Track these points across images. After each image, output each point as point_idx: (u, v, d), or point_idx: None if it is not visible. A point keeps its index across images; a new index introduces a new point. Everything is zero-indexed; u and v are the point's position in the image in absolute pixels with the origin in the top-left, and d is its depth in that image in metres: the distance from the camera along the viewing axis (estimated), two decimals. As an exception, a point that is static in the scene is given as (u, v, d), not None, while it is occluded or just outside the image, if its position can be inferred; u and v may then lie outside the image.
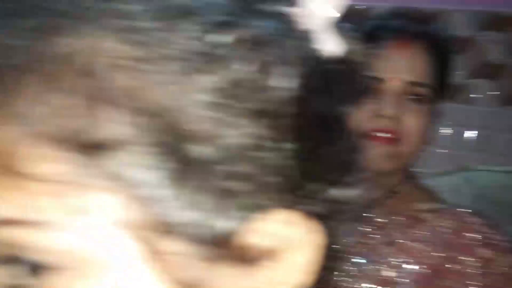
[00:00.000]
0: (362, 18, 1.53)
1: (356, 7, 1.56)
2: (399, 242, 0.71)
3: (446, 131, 1.52)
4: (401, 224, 0.73)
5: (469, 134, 1.52)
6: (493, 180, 1.33)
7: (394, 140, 0.72)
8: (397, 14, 0.80)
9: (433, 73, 0.75)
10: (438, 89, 0.76)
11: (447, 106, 1.47)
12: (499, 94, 1.49)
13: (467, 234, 0.68)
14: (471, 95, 1.51)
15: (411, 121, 0.72)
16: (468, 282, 0.66)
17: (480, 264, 0.66)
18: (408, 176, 0.78)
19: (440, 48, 0.77)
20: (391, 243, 0.71)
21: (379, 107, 0.72)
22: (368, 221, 0.75)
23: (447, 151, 1.52)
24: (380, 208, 0.76)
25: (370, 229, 0.75)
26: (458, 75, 1.51)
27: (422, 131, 0.73)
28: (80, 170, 0.19)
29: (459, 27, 1.50)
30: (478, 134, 1.51)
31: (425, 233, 0.70)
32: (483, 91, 1.51)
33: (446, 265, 0.67)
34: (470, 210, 0.71)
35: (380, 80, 0.73)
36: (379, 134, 0.72)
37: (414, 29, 0.76)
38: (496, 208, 1.27)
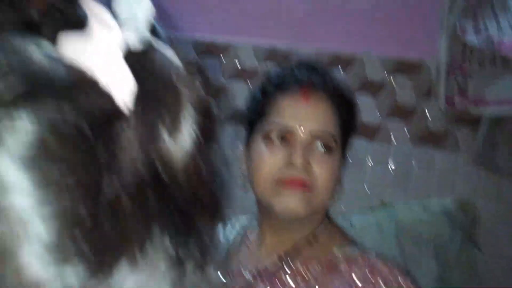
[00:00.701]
0: (286, 60, 1.59)
1: (280, 49, 1.62)
2: None
3: (365, 168, 1.60)
4: (319, 272, 0.74)
5: (387, 170, 1.61)
6: (412, 215, 1.40)
7: (306, 187, 0.74)
8: (301, 65, 0.84)
9: (337, 122, 0.78)
10: (344, 137, 0.80)
11: (365, 145, 1.57)
12: (411, 134, 1.61)
13: (378, 283, 0.70)
14: (387, 134, 1.61)
15: (321, 169, 0.75)
16: None
17: None
18: (324, 220, 0.80)
19: (342, 99, 0.81)
20: None
21: (289, 155, 0.74)
22: (287, 270, 0.76)
23: (367, 187, 1.59)
24: (299, 256, 0.77)
25: (290, 278, 0.75)
26: (373, 115, 1.61)
27: (332, 178, 0.76)
28: None
29: (371, 71, 1.61)
30: (394, 170, 1.60)
31: (341, 282, 0.72)
32: (397, 131, 1.61)
33: None
34: (382, 256, 0.74)
35: (288, 129, 0.75)
36: (290, 181, 0.73)
37: (316, 80, 0.79)
38: (416, 242, 1.34)
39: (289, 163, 0.74)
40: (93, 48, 0.22)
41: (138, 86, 0.23)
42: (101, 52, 0.22)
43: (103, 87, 0.22)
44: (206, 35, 1.63)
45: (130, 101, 0.22)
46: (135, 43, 0.24)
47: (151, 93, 0.23)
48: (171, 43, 0.26)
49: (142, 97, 0.23)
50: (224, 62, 1.64)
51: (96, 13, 0.23)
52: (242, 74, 1.63)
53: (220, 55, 1.64)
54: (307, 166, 0.74)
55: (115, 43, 0.23)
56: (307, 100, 0.77)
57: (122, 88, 0.22)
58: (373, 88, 1.61)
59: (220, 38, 1.64)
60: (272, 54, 1.63)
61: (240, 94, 1.57)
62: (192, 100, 0.24)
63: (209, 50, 1.62)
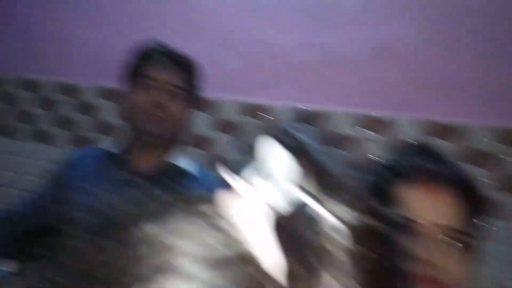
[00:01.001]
0: (387, 130, 1.55)
1: (380, 117, 1.59)
2: None
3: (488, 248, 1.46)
4: None
5: (504, 250, 1.46)
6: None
7: (441, 285, 0.68)
8: (420, 152, 0.78)
9: (465, 214, 0.72)
10: (473, 233, 0.73)
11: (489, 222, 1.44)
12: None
13: None
14: (501, 209, 1.48)
15: (453, 267, 0.69)
16: None
17: None
18: None
19: (467, 188, 0.74)
20: None
21: (417, 249, 0.69)
22: None
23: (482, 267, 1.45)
24: None
25: None
26: (483, 187, 1.49)
27: (466, 275, 0.70)
28: None
29: (478, 141, 1.52)
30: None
31: None
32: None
33: None
34: None
35: (413, 221, 0.70)
36: (428, 280, 0.68)
37: (438, 169, 0.73)
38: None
39: (419, 258, 0.68)
40: (246, 214, 0.22)
41: (284, 258, 0.22)
42: (252, 221, 0.22)
43: (258, 261, 0.22)
44: (307, 104, 1.66)
45: (279, 275, 0.22)
46: (283, 206, 0.23)
47: (297, 266, 0.22)
48: (346, 184, 0.25)
49: (289, 270, 0.22)
50: (322, 129, 1.65)
51: (244, 180, 0.23)
52: (339, 140, 1.62)
53: (318, 122, 1.66)
54: (439, 265, 0.68)
55: (264, 211, 0.22)
56: (431, 192, 0.72)
57: (272, 262, 0.22)
58: (481, 159, 1.51)
59: (318, 107, 1.66)
60: (369, 122, 1.61)
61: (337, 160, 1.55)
62: (341, 259, 0.23)
63: (309, 118, 1.65)
